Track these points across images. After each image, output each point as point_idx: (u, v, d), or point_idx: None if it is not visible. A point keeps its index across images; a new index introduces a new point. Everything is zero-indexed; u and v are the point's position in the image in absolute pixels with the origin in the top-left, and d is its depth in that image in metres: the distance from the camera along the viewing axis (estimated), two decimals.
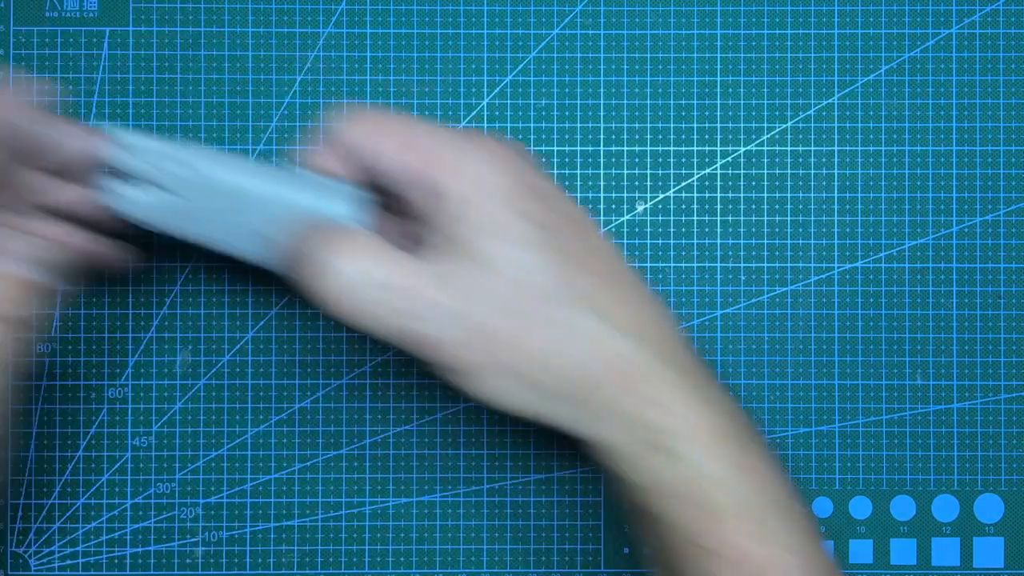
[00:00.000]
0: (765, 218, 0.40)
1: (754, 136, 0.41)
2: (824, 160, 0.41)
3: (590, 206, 0.41)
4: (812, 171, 0.41)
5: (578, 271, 0.29)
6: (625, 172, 0.41)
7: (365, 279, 0.28)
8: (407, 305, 0.28)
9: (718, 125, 0.41)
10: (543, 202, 0.29)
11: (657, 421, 0.29)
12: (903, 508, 0.40)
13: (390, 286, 0.28)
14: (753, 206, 0.41)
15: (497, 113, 0.41)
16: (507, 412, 0.29)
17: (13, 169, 0.31)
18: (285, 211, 0.31)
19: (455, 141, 0.30)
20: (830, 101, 0.41)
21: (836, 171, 0.41)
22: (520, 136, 0.41)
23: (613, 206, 0.41)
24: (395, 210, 0.32)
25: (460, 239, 0.29)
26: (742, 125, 0.41)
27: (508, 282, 0.28)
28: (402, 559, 0.40)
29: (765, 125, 0.41)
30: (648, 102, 0.41)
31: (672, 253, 0.40)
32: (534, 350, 0.29)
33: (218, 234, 0.32)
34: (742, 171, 0.41)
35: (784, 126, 0.41)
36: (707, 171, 0.41)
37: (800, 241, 0.40)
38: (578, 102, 0.41)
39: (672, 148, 0.41)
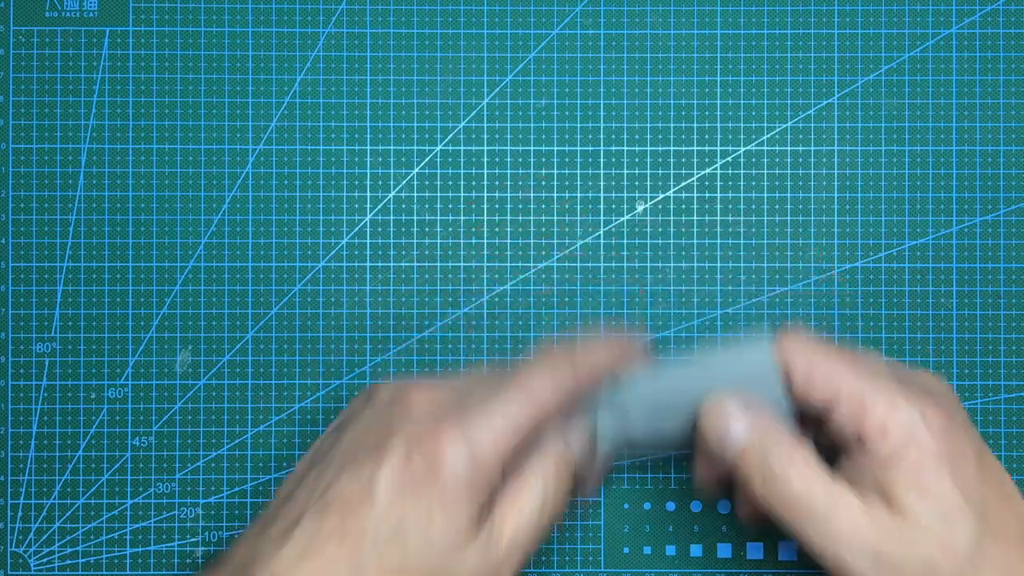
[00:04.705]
0: (765, 218, 0.40)
1: (754, 136, 0.41)
2: (824, 160, 0.41)
3: (590, 206, 0.41)
4: (812, 171, 0.41)
5: (994, 543, 0.30)
6: (625, 172, 0.41)
7: (801, 491, 0.30)
8: (825, 527, 0.30)
9: (718, 125, 0.41)
10: (971, 465, 0.30)
11: None
12: None
13: (812, 503, 0.30)
14: (753, 206, 0.41)
15: (497, 113, 0.41)
16: None
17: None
18: (721, 382, 0.33)
19: (887, 387, 0.31)
20: (830, 101, 0.41)
21: (836, 171, 0.41)
22: (520, 136, 0.41)
23: (613, 206, 0.41)
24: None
25: (883, 483, 0.30)
26: (742, 125, 0.41)
27: (926, 539, 0.29)
28: None
29: (765, 125, 0.41)
30: (648, 102, 0.41)
31: (672, 253, 0.40)
32: None
33: (652, 435, 0.34)
34: (742, 171, 0.41)
35: (784, 126, 0.41)
36: (707, 171, 0.41)
37: (800, 241, 0.40)
38: (578, 102, 0.41)
39: (672, 148, 0.41)
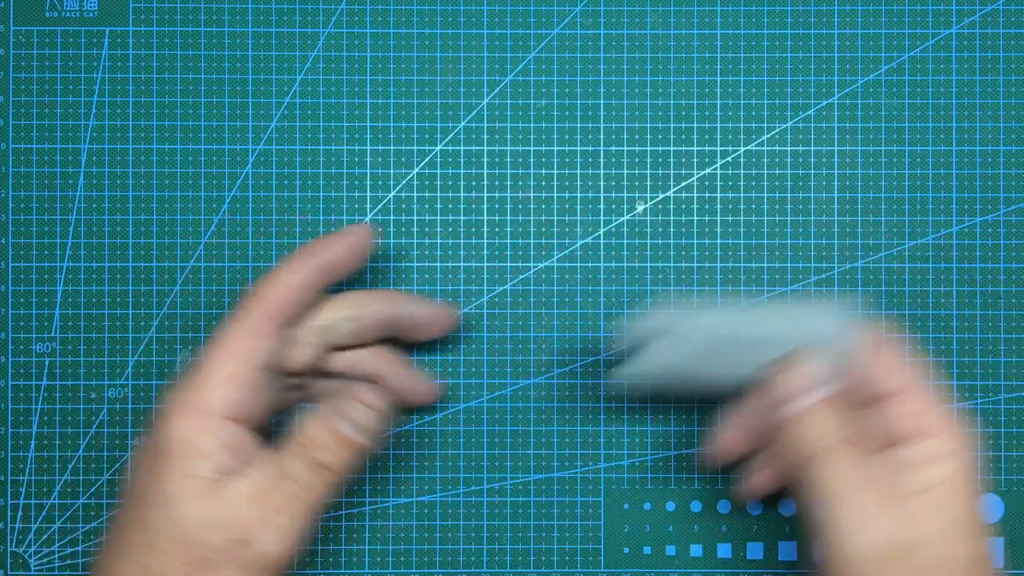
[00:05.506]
0: (765, 218, 0.40)
1: (754, 136, 0.41)
2: (824, 160, 0.41)
3: (590, 206, 0.41)
4: (812, 171, 0.41)
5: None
6: (625, 172, 0.41)
7: (834, 468, 0.32)
8: (836, 512, 0.32)
9: (718, 125, 0.41)
10: (974, 510, 0.32)
11: None
12: None
13: (836, 484, 0.32)
14: (753, 206, 0.41)
15: (497, 113, 0.41)
16: None
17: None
18: (779, 345, 0.33)
19: (941, 400, 0.33)
20: (830, 101, 0.41)
21: (836, 171, 0.41)
22: (520, 136, 0.41)
23: (613, 206, 0.41)
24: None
25: (906, 488, 0.31)
26: (742, 125, 0.41)
27: (923, 556, 0.31)
28: (402, 559, 0.40)
29: (765, 125, 0.41)
30: (648, 102, 0.41)
31: (672, 253, 0.40)
32: None
33: (704, 377, 0.34)
34: (742, 171, 0.41)
35: (784, 126, 0.41)
36: (707, 171, 0.41)
37: (800, 241, 0.40)
38: (578, 102, 0.41)
39: (672, 148, 0.41)
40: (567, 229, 0.41)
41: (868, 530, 0.31)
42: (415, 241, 0.40)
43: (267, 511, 0.32)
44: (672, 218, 0.41)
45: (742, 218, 0.40)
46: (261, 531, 0.31)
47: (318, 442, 0.33)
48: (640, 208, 0.41)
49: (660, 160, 0.41)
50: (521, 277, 0.41)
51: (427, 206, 0.41)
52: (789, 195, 0.41)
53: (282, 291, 0.34)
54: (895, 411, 0.33)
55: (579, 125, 0.41)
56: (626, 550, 0.40)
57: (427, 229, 0.41)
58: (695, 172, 0.41)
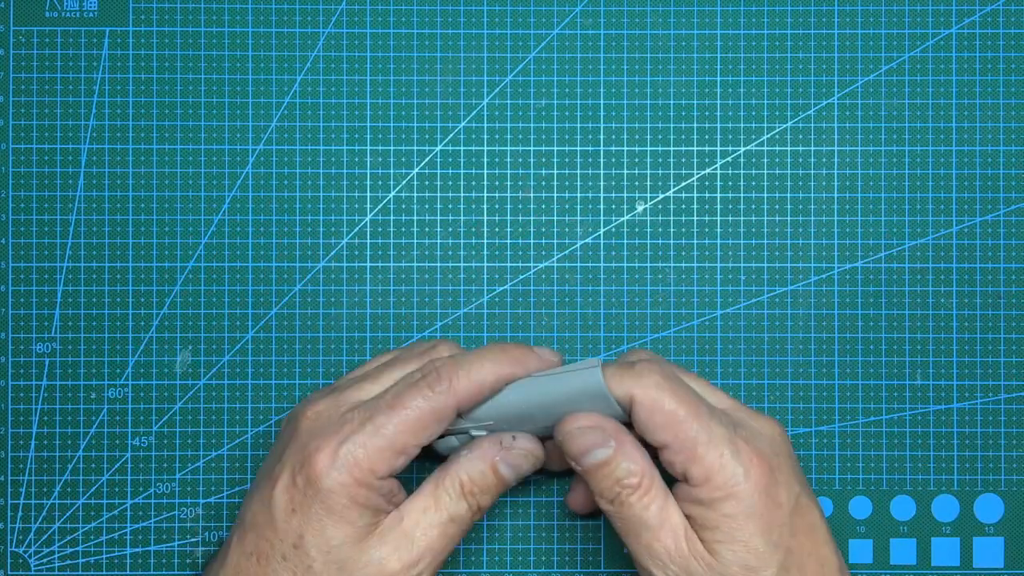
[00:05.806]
0: (765, 218, 0.40)
1: (754, 136, 0.41)
2: (824, 160, 0.41)
3: (590, 206, 0.41)
4: (812, 171, 0.41)
5: None
6: (625, 172, 0.41)
7: (637, 508, 0.33)
8: (648, 545, 0.33)
9: (718, 125, 0.41)
10: (783, 517, 0.33)
11: None
12: (903, 508, 0.40)
13: (645, 520, 0.33)
14: (753, 206, 0.41)
15: (497, 113, 0.41)
16: None
17: None
18: (559, 404, 0.34)
19: (719, 437, 0.33)
20: (830, 101, 0.41)
21: (836, 171, 0.41)
22: (520, 136, 0.41)
23: (613, 206, 0.41)
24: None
25: (702, 520, 0.33)
26: (742, 125, 0.41)
27: None
28: None
29: (765, 125, 0.41)
30: (648, 102, 0.41)
31: (672, 253, 0.40)
32: None
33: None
34: (742, 171, 0.41)
35: (784, 126, 0.41)
36: (707, 171, 0.41)
37: (800, 241, 0.40)
38: (578, 102, 0.41)
39: (672, 148, 0.41)
40: (567, 229, 0.41)
41: (674, 559, 0.32)
42: (415, 241, 0.41)
43: (424, 550, 0.33)
44: (672, 218, 0.41)
45: (742, 218, 0.40)
46: (418, 567, 0.33)
47: (481, 486, 0.34)
48: (640, 208, 0.41)
49: (660, 160, 0.41)
50: (521, 277, 0.41)
51: (427, 206, 0.41)
52: (789, 195, 0.41)
53: (475, 390, 0.34)
54: (664, 460, 0.33)
55: (579, 125, 0.41)
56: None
57: (427, 229, 0.41)
58: (695, 172, 0.41)
